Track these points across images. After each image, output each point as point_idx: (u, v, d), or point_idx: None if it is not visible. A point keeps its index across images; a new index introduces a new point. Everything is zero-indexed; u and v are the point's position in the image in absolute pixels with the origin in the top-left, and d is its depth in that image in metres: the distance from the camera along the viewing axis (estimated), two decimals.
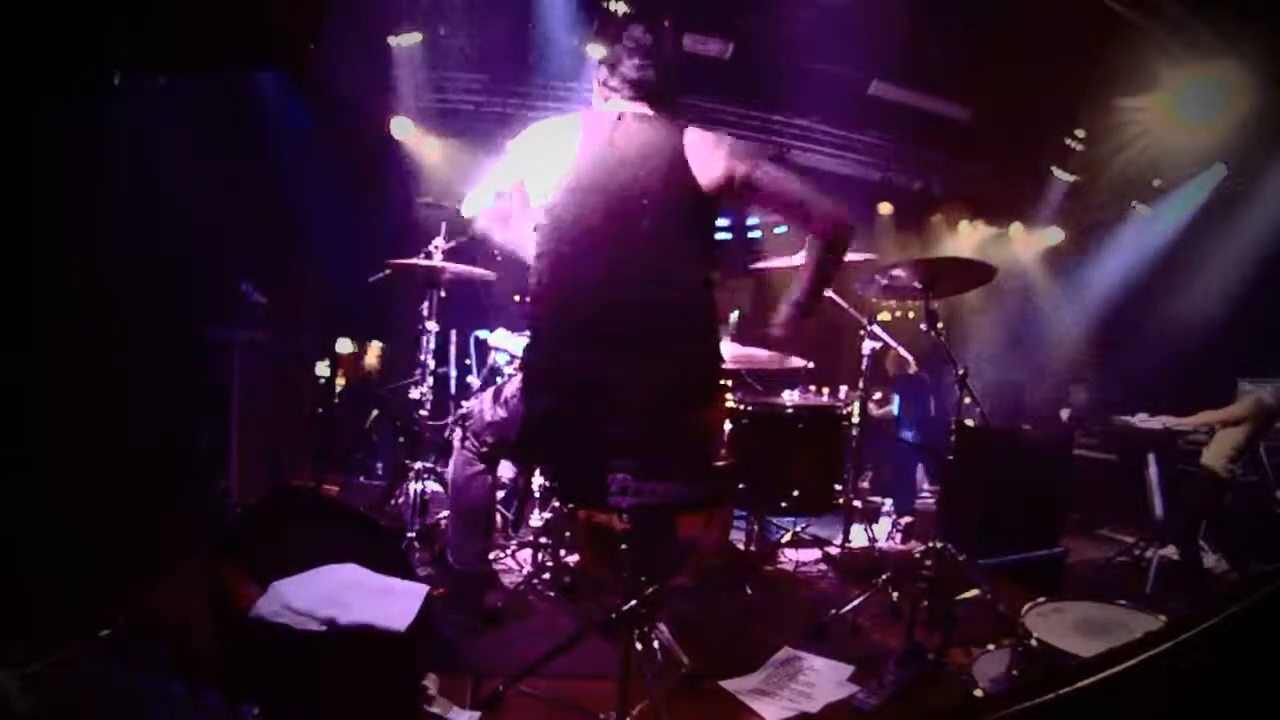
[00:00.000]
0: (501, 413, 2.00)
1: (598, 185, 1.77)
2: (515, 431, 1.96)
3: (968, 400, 2.63)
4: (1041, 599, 1.81)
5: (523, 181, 1.91)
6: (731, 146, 1.85)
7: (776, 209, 1.92)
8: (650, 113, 1.89)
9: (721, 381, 1.93)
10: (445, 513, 3.07)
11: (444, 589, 2.34)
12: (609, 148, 1.80)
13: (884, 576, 2.68)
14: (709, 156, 1.80)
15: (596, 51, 5.15)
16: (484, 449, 2.09)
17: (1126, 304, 6.19)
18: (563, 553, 2.74)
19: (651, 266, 1.76)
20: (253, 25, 2.16)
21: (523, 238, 1.94)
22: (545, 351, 1.84)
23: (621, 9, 4.88)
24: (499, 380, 2.79)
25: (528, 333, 1.94)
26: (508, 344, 2.95)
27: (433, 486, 3.06)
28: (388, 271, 3.24)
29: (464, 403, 2.56)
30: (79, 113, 2.26)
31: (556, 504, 2.70)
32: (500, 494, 2.84)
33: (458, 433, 2.18)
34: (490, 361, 3.15)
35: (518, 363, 2.65)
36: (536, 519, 2.91)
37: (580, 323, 1.77)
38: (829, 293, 3.05)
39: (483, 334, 3.08)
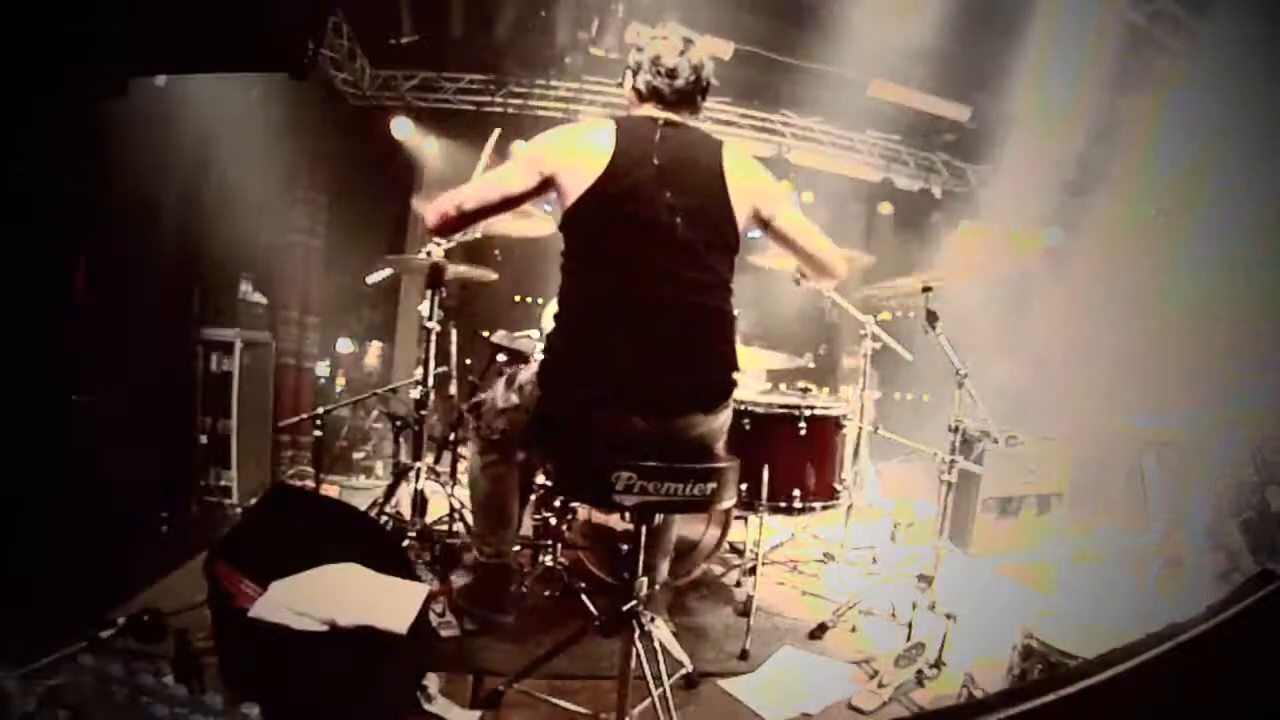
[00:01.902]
0: (514, 399, 2.01)
1: (635, 191, 1.76)
2: (525, 418, 1.97)
3: (967, 401, 2.64)
4: (1041, 599, 1.81)
5: (551, 176, 1.82)
6: (764, 180, 1.94)
7: (786, 248, 2.01)
8: (686, 122, 1.90)
9: (735, 384, 1.94)
10: (445, 513, 3.07)
11: (445, 587, 2.36)
12: (648, 157, 1.79)
13: (884, 576, 2.68)
14: (743, 181, 1.86)
15: (598, 52, 5.16)
16: (496, 436, 2.10)
17: (1126, 302, 6.18)
18: (563, 552, 2.74)
19: (680, 271, 1.78)
20: (253, 26, 2.15)
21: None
22: (567, 341, 1.85)
23: (622, 9, 4.89)
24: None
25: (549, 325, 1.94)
26: (508, 344, 2.94)
27: (433, 486, 3.06)
28: (388, 271, 3.23)
29: (478, 394, 2.55)
30: (79, 113, 2.26)
31: (557, 504, 2.69)
32: None
33: (471, 423, 2.19)
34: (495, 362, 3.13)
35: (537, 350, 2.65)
36: (536, 519, 2.90)
37: (605, 318, 1.78)
38: (829, 293, 3.08)
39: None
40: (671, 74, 1.85)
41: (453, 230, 1.95)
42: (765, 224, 1.94)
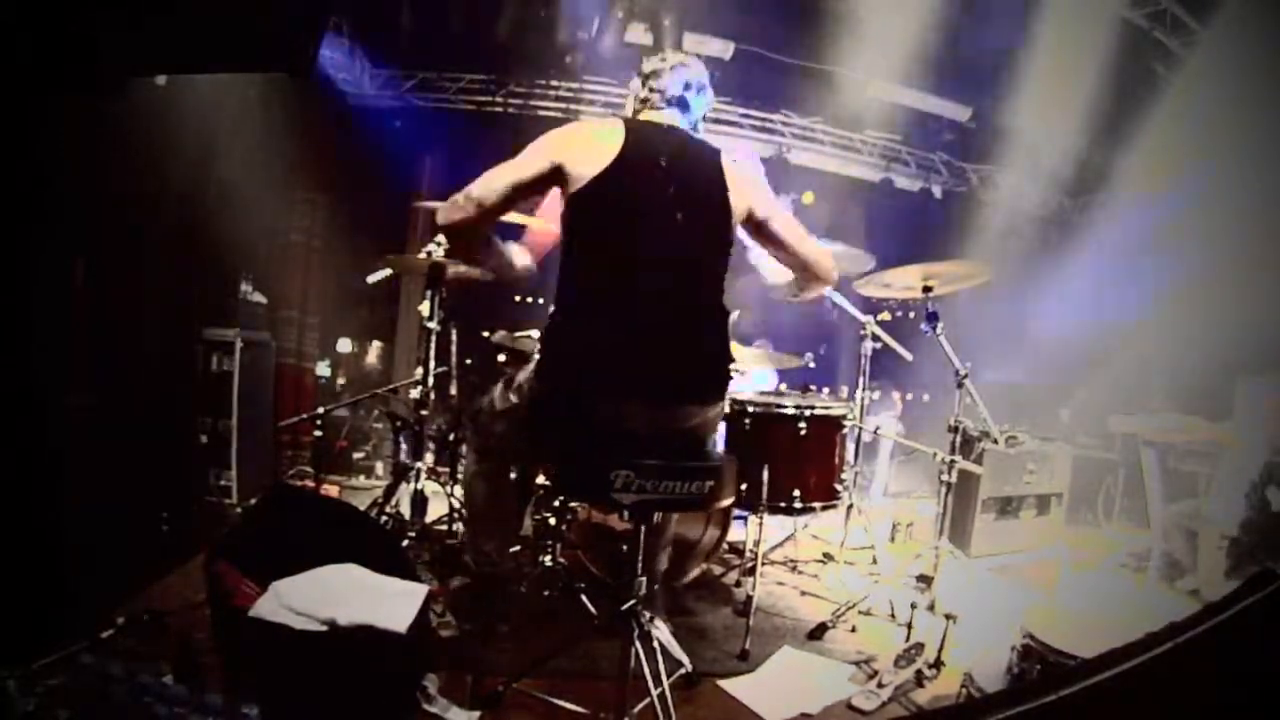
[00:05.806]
0: (513, 398, 2.01)
1: (641, 185, 1.81)
2: (524, 418, 1.97)
3: (968, 401, 2.64)
4: (1041, 599, 1.81)
5: (560, 165, 1.82)
6: (760, 184, 2.03)
7: (778, 251, 2.06)
8: (688, 127, 2.01)
9: (730, 381, 1.99)
10: (444, 513, 3.08)
11: (445, 587, 2.36)
12: (656, 154, 1.85)
13: (883, 576, 2.68)
14: (741, 183, 1.95)
15: (599, 51, 5.17)
16: (491, 441, 2.10)
17: (1127, 301, 6.17)
18: (563, 552, 2.74)
19: (680, 265, 1.84)
20: (253, 26, 2.15)
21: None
22: (566, 330, 1.86)
23: (623, 10, 4.89)
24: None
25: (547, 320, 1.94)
26: (509, 344, 2.94)
27: (433, 486, 3.06)
28: (388, 271, 3.23)
29: (477, 400, 2.56)
30: (79, 112, 2.26)
31: (556, 504, 2.69)
32: None
33: (468, 429, 2.19)
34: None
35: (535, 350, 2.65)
36: (536, 519, 2.90)
37: (605, 309, 1.80)
38: (830, 292, 3.07)
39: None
40: (661, 87, 1.99)
41: (471, 227, 1.87)
42: (759, 225, 1.98)
